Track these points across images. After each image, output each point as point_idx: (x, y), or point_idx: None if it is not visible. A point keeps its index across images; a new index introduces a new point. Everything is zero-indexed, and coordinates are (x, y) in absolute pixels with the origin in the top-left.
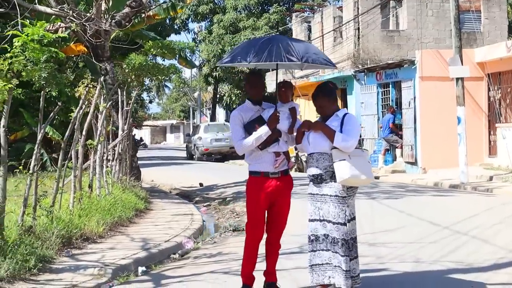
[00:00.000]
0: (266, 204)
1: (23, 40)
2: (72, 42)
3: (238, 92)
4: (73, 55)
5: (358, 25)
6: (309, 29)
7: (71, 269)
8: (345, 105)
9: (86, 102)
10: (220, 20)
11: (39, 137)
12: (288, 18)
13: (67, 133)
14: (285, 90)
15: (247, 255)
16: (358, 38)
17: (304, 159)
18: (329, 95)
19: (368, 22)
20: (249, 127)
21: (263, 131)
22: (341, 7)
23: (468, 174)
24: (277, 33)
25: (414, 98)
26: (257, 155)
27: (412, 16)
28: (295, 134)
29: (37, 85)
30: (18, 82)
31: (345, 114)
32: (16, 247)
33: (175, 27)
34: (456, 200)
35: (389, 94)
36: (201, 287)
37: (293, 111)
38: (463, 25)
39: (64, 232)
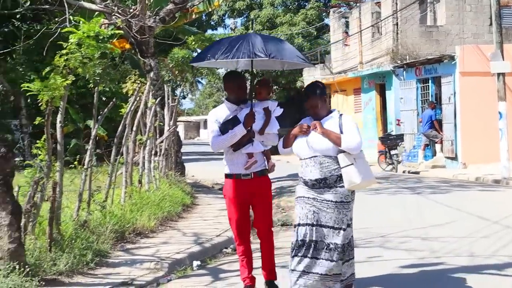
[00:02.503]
0: (242, 205)
1: (79, 36)
2: (115, 39)
3: (275, 87)
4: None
5: (397, 20)
6: (347, 25)
7: (127, 263)
8: (383, 100)
9: (138, 98)
10: (257, 16)
11: (93, 132)
12: (324, 14)
13: (119, 129)
14: (259, 87)
15: (240, 257)
16: (397, 33)
17: None
18: (323, 94)
19: (407, 17)
20: (223, 128)
21: (238, 130)
22: (379, 2)
23: (510, 169)
24: (314, 29)
25: (454, 93)
26: (231, 157)
27: (450, 11)
28: (268, 134)
29: (92, 81)
30: (74, 79)
31: (341, 115)
32: (72, 241)
33: (212, 23)
34: (502, 195)
35: (428, 90)
36: (259, 281)
37: (266, 110)
38: (502, 20)
39: (117, 227)
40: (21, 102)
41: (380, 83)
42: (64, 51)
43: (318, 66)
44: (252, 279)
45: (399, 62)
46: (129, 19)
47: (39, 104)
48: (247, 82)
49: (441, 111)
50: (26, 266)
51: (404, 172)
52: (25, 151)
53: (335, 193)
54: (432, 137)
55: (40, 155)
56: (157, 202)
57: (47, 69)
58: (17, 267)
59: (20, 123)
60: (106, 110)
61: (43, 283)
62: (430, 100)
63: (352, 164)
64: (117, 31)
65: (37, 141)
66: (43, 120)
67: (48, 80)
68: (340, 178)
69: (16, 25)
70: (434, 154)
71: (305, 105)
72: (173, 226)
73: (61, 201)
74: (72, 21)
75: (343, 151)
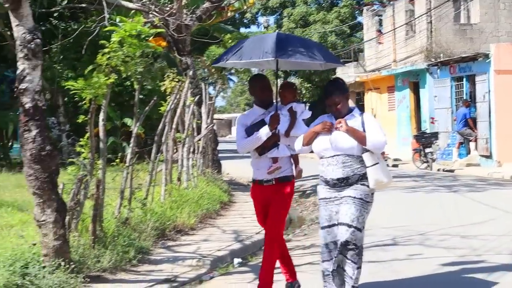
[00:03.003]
0: (264, 209)
1: (121, 35)
2: (152, 37)
3: (308, 85)
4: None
5: (431, 18)
6: (380, 23)
7: (169, 260)
8: (417, 98)
9: (178, 96)
10: (290, 14)
11: (134, 131)
12: (357, 12)
13: (160, 127)
14: (283, 92)
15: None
16: (431, 31)
17: None
18: (345, 92)
19: (441, 15)
20: (249, 130)
21: (263, 132)
22: (413, 0)
23: None
24: (348, 27)
25: (489, 91)
26: (257, 161)
27: (484, 9)
28: (294, 137)
29: (133, 79)
30: (116, 77)
31: (362, 113)
32: (115, 238)
33: (245, 21)
34: None
35: (462, 88)
36: (303, 278)
37: (290, 111)
38: None
39: (158, 224)
40: (58, 100)
41: (414, 81)
42: (106, 50)
43: (352, 64)
44: (292, 275)
45: (433, 60)
46: (166, 18)
47: (77, 102)
48: (272, 84)
49: (476, 109)
50: (71, 263)
51: (438, 170)
52: (63, 148)
53: (355, 189)
54: (466, 135)
55: (83, 152)
56: (196, 200)
57: (90, 67)
58: (62, 263)
59: (57, 121)
60: (147, 108)
61: (88, 279)
62: (464, 98)
63: (378, 163)
64: (158, 30)
65: (79, 139)
66: (86, 118)
67: (91, 79)
68: (362, 177)
69: (54, 23)
70: (468, 152)
71: (326, 102)
72: (212, 224)
73: (104, 198)
74: (110, 20)
75: (367, 150)
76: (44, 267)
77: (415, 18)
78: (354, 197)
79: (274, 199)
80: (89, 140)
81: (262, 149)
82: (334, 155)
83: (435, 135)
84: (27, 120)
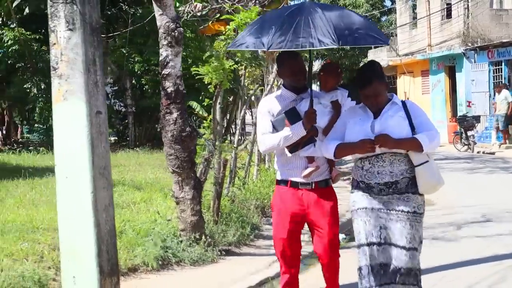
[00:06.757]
0: (295, 223)
1: (237, 23)
2: (211, 22)
3: None
4: (211, 34)
5: (467, 3)
6: (414, 8)
7: None
8: (453, 82)
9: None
10: None
11: (241, 114)
12: None
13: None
14: (324, 75)
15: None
16: (467, 17)
17: None
18: (384, 79)
19: (477, 1)
20: (277, 123)
21: (295, 131)
22: None
23: None
24: (378, 13)
25: None
26: (286, 159)
27: None
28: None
29: (243, 64)
30: (233, 63)
31: (403, 101)
32: (231, 215)
33: None
34: None
35: (501, 72)
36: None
37: (336, 105)
38: None
39: (259, 202)
40: (126, 83)
41: (449, 65)
42: (222, 37)
43: (384, 48)
44: None
45: (469, 45)
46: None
47: (143, 86)
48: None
49: None
50: (207, 237)
51: (478, 152)
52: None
53: (407, 200)
54: None
55: (205, 133)
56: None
57: (207, 53)
58: (202, 238)
59: (125, 104)
60: (252, 91)
61: (224, 253)
62: (503, 82)
63: (428, 161)
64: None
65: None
66: (210, 102)
67: (210, 64)
68: (411, 182)
69: (124, 8)
70: None
71: (364, 93)
72: None
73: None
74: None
75: None
76: (181, 241)
77: (451, 5)
78: (408, 212)
79: (319, 210)
80: (212, 122)
81: (294, 146)
82: (379, 154)
83: (476, 118)
84: (168, 103)
